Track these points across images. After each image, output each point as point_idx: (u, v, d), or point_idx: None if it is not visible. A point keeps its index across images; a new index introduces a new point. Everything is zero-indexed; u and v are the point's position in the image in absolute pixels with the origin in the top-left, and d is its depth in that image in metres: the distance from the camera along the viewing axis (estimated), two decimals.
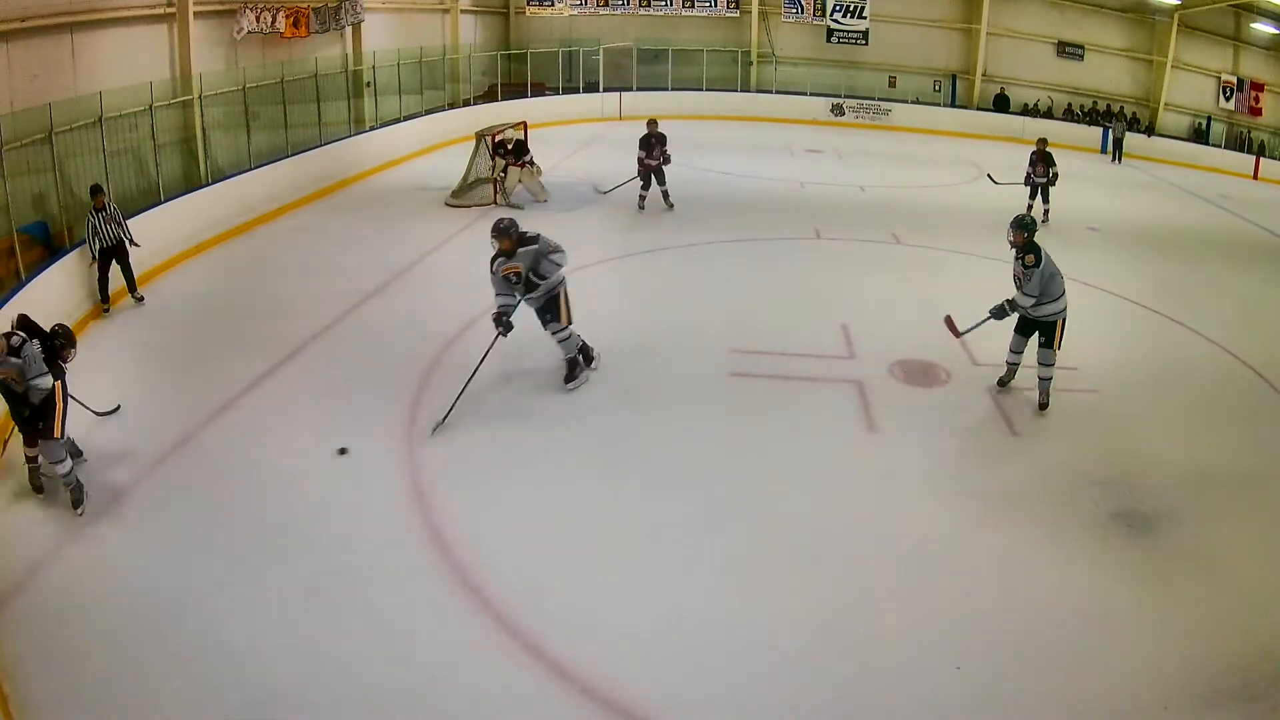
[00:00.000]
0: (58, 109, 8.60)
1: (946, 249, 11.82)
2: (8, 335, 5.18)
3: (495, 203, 13.04)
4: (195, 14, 12.48)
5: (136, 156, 10.36)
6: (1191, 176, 19.75)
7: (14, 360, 5.09)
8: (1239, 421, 7.15)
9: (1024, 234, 6.84)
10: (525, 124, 14.71)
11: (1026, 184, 13.33)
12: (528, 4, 24.82)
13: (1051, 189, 13.14)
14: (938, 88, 24.50)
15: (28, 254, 8.03)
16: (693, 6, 24.66)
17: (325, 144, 13.96)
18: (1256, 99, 22.25)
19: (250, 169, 12.09)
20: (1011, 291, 7.07)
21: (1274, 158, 21.04)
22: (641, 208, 12.91)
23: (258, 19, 13.99)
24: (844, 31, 24.17)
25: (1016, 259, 6.92)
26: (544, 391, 7.14)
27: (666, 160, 12.75)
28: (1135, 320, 9.48)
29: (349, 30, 17.21)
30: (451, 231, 11.69)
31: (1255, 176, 20.66)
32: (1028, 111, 23.74)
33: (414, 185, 14.57)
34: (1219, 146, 22.15)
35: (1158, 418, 7.10)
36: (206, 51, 12.94)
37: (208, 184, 11.48)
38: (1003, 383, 7.40)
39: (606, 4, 24.62)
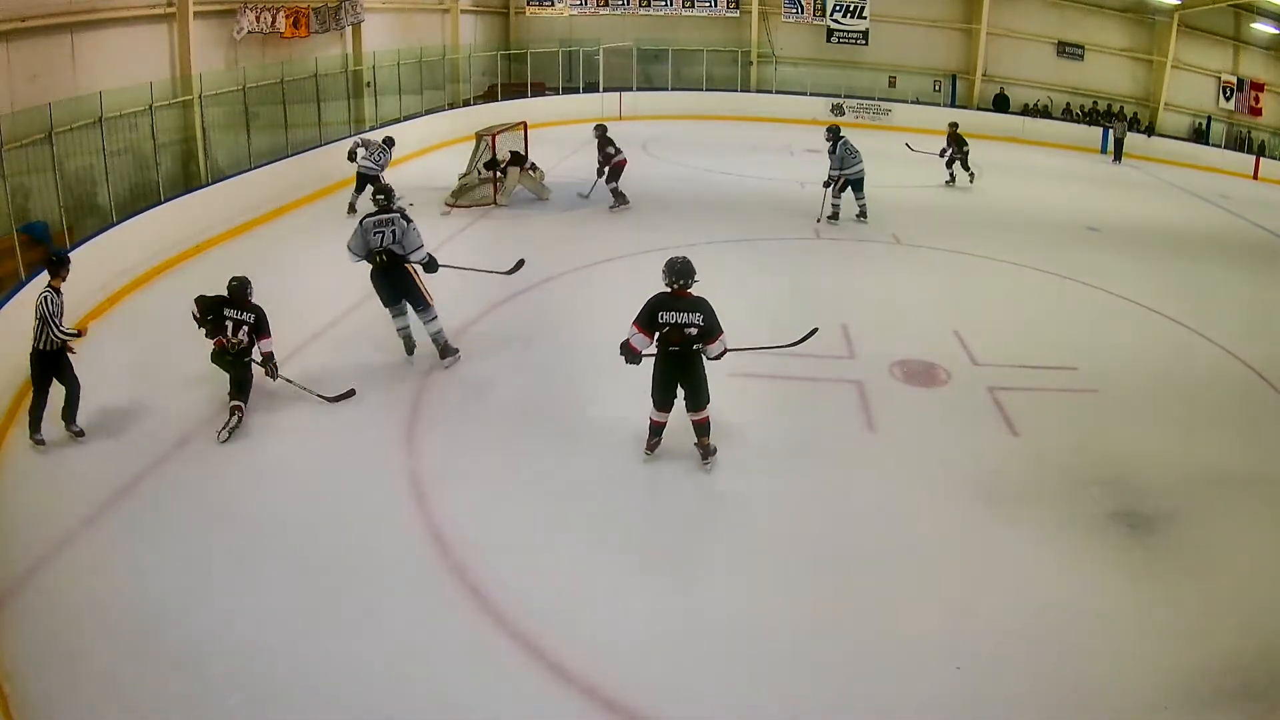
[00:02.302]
0: (58, 109, 8.60)
1: (946, 249, 11.81)
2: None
3: (495, 203, 13.04)
4: (195, 14, 12.48)
5: (136, 156, 10.36)
6: (1191, 176, 19.74)
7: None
8: (1239, 421, 7.15)
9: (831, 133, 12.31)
10: (525, 124, 14.71)
11: (942, 156, 15.61)
12: (528, 4, 24.82)
13: (968, 163, 15.63)
14: (938, 88, 24.49)
15: (28, 254, 8.01)
16: (693, 6, 24.65)
17: (325, 144, 13.97)
18: (1256, 99, 22.24)
19: (250, 169, 12.09)
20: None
21: (1274, 158, 21.03)
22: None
23: (258, 19, 13.99)
24: (844, 31, 24.17)
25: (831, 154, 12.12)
26: (544, 391, 7.14)
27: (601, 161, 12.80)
28: (1135, 320, 9.47)
29: (349, 30, 17.21)
30: (451, 232, 11.68)
31: (1255, 176, 20.65)
32: (1028, 111, 23.73)
33: (414, 185, 14.55)
34: (1219, 146, 22.14)
35: (1158, 418, 7.10)
36: (206, 51, 12.94)
37: (208, 184, 11.49)
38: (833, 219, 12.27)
39: (606, 4, 24.61)
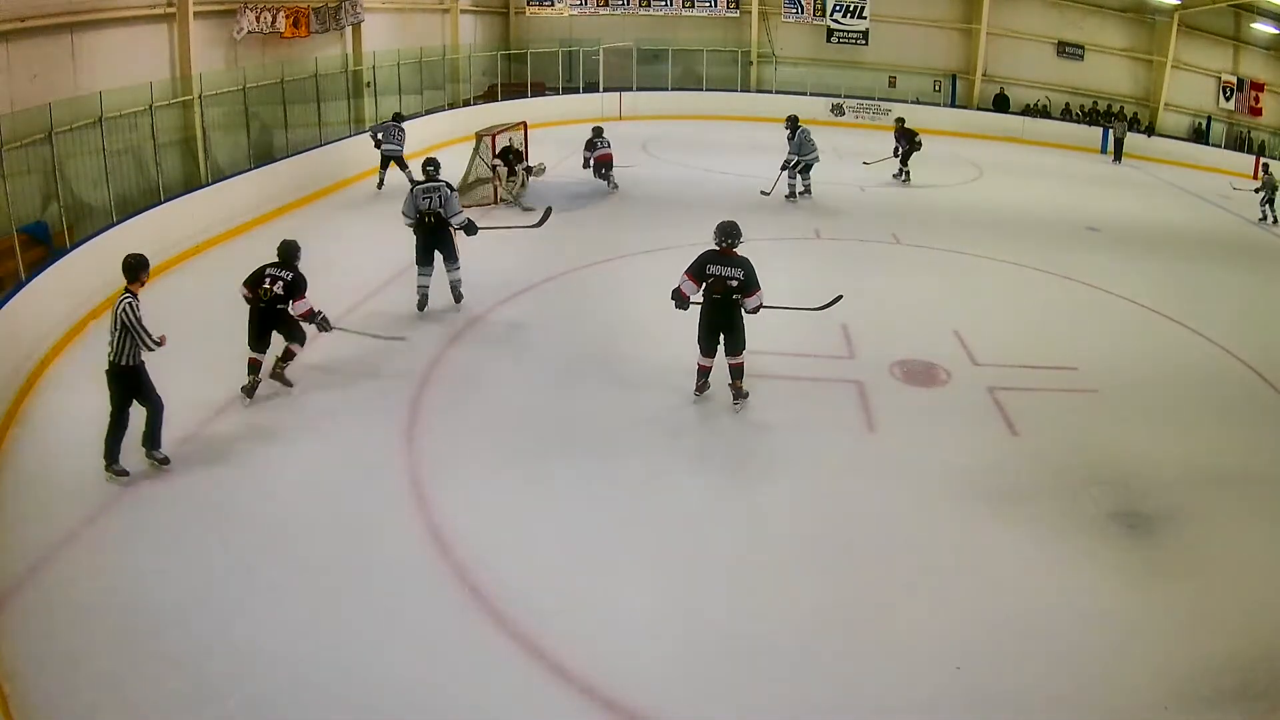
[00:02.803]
0: (58, 109, 8.60)
1: (946, 249, 11.82)
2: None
3: (495, 202, 13.05)
4: (195, 14, 12.48)
5: (136, 156, 10.36)
6: (1191, 176, 19.75)
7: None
8: (1239, 421, 7.15)
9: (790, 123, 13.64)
10: (525, 124, 14.73)
11: (895, 155, 16.17)
12: (528, 4, 24.83)
13: (913, 155, 16.24)
14: (938, 88, 24.50)
15: (28, 254, 8.01)
16: (693, 6, 24.66)
17: (325, 144, 13.96)
18: (1256, 99, 22.25)
19: (250, 169, 12.10)
20: None
21: (1274, 157, 21.03)
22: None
23: (258, 19, 13.99)
24: (844, 31, 24.18)
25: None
26: (543, 391, 7.14)
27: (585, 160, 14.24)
28: (1135, 320, 9.48)
29: (349, 30, 17.21)
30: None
31: (1255, 176, 20.65)
32: (1028, 111, 23.74)
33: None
34: (1219, 146, 22.15)
35: (1158, 418, 7.10)
36: (206, 51, 12.95)
37: (208, 184, 11.48)
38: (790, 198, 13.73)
39: (606, 4, 24.62)
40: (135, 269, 5.69)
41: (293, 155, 13.06)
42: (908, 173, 16.20)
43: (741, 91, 24.47)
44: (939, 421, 6.85)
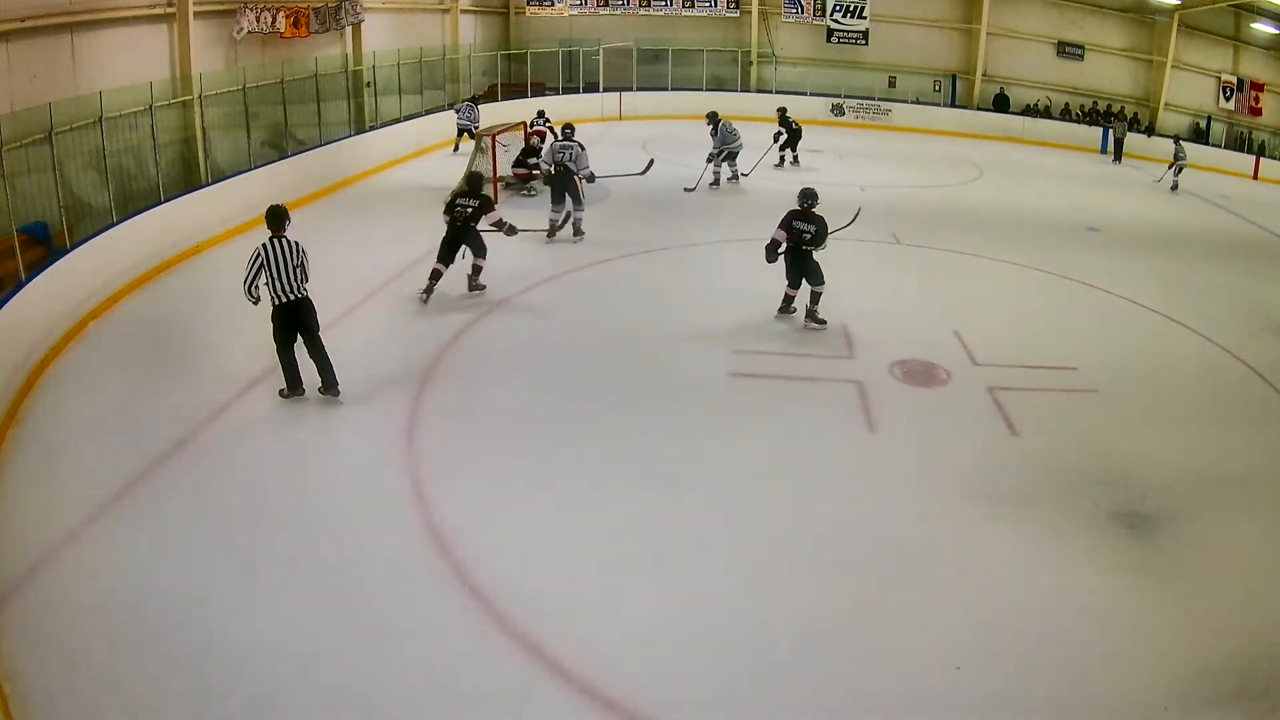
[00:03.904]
0: (58, 109, 8.59)
1: (946, 249, 11.82)
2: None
3: (495, 202, 13.02)
4: (195, 14, 12.49)
5: (136, 156, 10.36)
6: (1191, 176, 19.74)
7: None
8: (1239, 421, 7.15)
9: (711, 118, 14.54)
10: (525, 124, 14.72)
11: (776, 140, 16.57)
12: (528, 4, 24.83)
13: (786, 147, 16.89)
14: (938, 88, 24.51)
15: (28, 254, 8.01)
16: (693, 6, 24.67)
17: (325, 144, 13.96)
18: (1256, 99, 22.26)
19: (250, 169, 12.10)
20: None
21: (1274, 158, 21.04)
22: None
23: (258, 19, 13.99)
24: (844, 31, 24.18)
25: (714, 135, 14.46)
26: (544, 391, 7.14)
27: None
28: (1135, 320, 9.48)
29: (349, 30, 17.22)
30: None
31: (1255, 176, 20.67)
32: (1028, 111, 23.74)
33: (414, 185, 14.57)
34: (1219, 146, 22.15)
35: (1158, 417, 7.10)
36: (206, 51, 12.95)
37: (208, 184, 11.49)
38: (715, 185, 14.74)
39: (606, 4, 24.62)
40: (281, 218, 6.58)
41: (293, 155, 13.06)
42: (796, 158, 17.02)
43: (741, 91, 24.46)
44: (939, 421, 6.85)
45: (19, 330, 6.89)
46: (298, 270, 6.35)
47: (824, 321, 8.45)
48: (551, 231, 11.16)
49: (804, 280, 8.48)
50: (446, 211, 8.79)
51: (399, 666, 4.17)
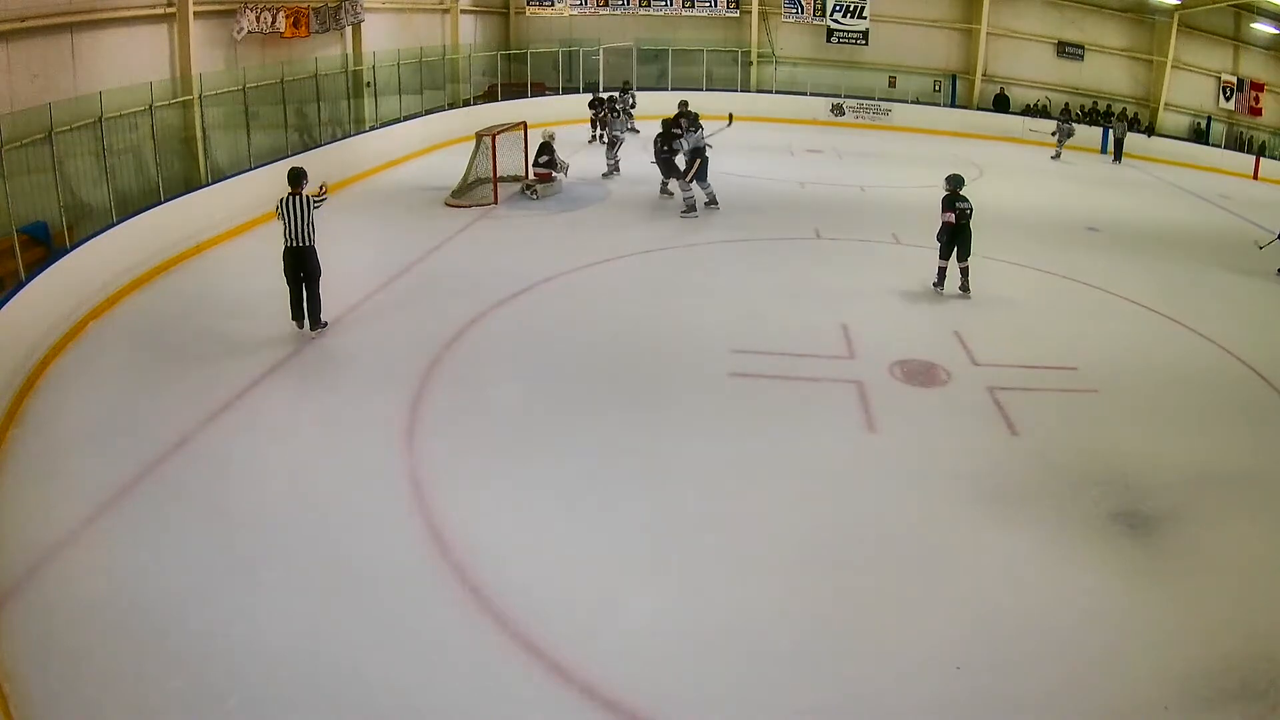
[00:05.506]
0: (58, 109, 8.59)
1: None
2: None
3: (495, 202, 13.05)
4: (195, 14, 12.48)
5: (136, 156, 10.36)
6: (1191, 176, 19.76)
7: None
8: (1239, 421, 7.15)
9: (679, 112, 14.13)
10: (525, 124, 14.72)
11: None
12: (528, 4, 24.82)
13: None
14: (938, 88, 24.51)
15: (28, 254, 8.01)
16: (693, 6, 24.66)
17: (325, 144, 13.95)
18: (1256, 99, 22.25)
19: (250, 169, 12.09)
20: None
21: (1274, 158, 21.03)
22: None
23: (258, 19, 13.99)
24: (844, 31, 24.17)
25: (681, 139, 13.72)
26: (544, 391, 7.14)
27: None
28: (1135, 320, 9.48)
29: (349, 30, 17.21)
30: (451, 231, 11.69)
31: (1255, 176, 20.67)
32: (1028, 111, 23.74)
33: (414, 185, 14.58)
34: (1219, 146, 22.15)
35: (1158, 417, 7.10)
36: (206, 51, 12.94)
37: (208, 184, 11.49)
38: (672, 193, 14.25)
39: (606, 4, 24.61)
40: (300, 177, 7.69)
41: (293, 155, 13.04)
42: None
43: (741, 91, 24.46)
44: (939, 421, 6.85)
45: (19, 330, 6.89)
46: (307, 223, 7.57)
47: (969, 291, 9.75)
48: (692, 208, 12.70)
49: (954, 253, 9.71)
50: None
51: (399, 666, 4.17)
